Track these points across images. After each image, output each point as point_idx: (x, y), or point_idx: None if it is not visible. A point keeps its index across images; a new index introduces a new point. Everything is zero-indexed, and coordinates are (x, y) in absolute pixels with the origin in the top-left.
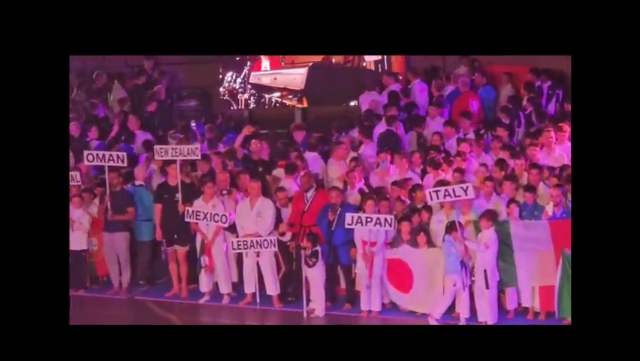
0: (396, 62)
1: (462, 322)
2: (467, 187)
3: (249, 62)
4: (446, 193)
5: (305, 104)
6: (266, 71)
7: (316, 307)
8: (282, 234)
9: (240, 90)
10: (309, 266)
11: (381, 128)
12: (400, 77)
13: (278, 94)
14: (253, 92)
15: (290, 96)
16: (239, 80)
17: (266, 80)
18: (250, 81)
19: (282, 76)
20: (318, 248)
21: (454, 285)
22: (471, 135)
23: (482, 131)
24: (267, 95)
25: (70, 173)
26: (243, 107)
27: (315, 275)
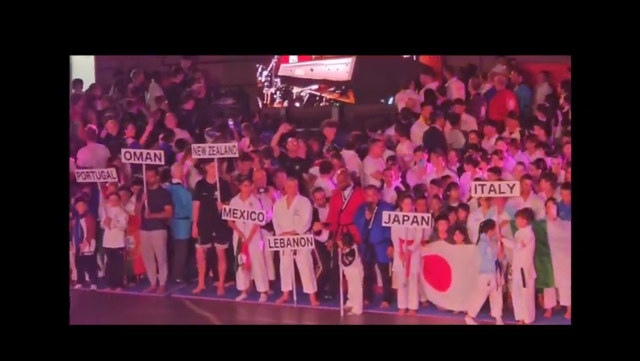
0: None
1: (498, 321)
2: (514, 185)
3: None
4: (491, 188)
5: (351, 99)
6: (298, 62)
7: (354, 306)
8: (318, 233)
9: (265, 84)
10: (346, 265)
11: (418, 126)
12: (433, 71)
13: (315, 87)
14: (281, 86)
15: (331, 89)
16: (265, 73)
17: (299, 73)
18: (280, 74)
19: (321, 67)
20: (355, 247)
21: (488, 284)
22: (516, 135)
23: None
24: (300, 89)
25: (107, 170)
26: (268, 102)
27: (352, 273)
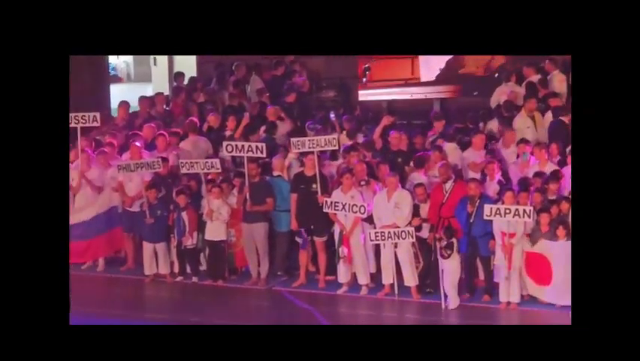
0: None
1: None
2: None
3: None
4: None
5: (456, 93)
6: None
7: (449, 298)
8: (418, 229)
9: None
10: (444, 258)
11: (520, 118)
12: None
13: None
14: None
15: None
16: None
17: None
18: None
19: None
20: (454, 240)
21: None
22: None
23: None
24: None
25: (212, 160)
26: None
27: (448, 267)
